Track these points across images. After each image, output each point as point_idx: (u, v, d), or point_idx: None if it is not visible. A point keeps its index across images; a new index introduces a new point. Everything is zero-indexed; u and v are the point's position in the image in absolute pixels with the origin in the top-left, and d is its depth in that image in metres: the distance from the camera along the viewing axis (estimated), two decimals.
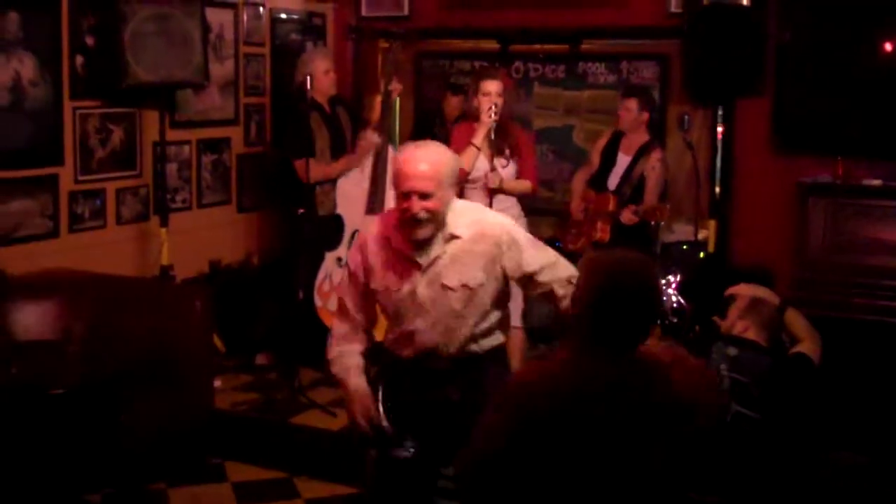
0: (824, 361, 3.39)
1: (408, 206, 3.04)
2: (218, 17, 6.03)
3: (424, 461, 3.19)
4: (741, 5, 4.81)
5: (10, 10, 4.79)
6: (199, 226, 5.98)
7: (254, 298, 5.94)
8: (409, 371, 3.25)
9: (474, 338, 3.21)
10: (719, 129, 5.86)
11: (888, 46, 5.45)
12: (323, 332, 5.28)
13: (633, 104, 5.58)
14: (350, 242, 5.58)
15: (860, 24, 5.50)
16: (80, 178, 5.24)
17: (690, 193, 5.54)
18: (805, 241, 5.43)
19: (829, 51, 5.56)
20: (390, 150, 5.62)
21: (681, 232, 5.83)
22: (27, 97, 4.92)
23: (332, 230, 5.60)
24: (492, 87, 4.98)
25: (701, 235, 5.48)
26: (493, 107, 4.89)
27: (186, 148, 5.94)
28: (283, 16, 6.67)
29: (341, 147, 5.71)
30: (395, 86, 5.72)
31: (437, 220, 3.09)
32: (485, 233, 3.17)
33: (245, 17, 6.31)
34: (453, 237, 3.14)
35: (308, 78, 5.37)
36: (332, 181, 5.60)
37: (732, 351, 3.38)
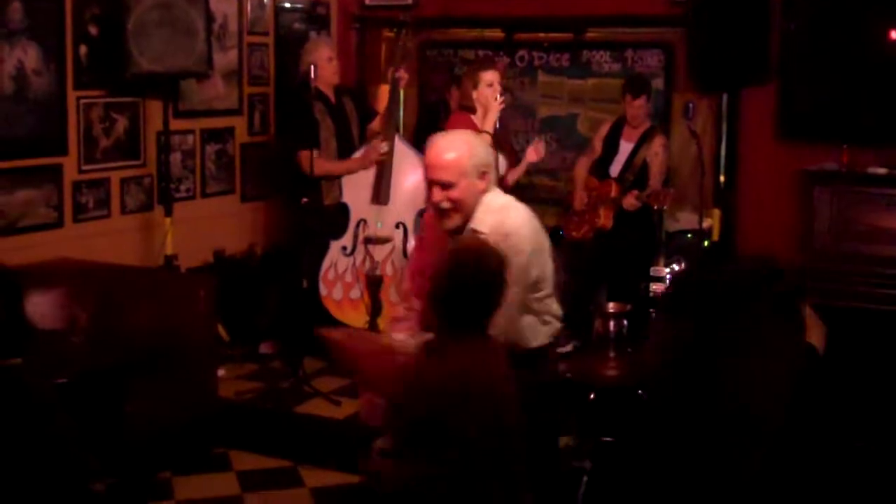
0: (829, 351, 3.37)
1: (432, 195, 3.05)
2: (221, 7, 6.01)
3: None
4: None
5: None
6: (203, 215, 5.97)
7: (258, 287, 5.94)
8: None
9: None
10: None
11: (893, 34, 5.43)
12: (327, 321, 5.29)
13: (642, 101, 5.63)
14: (356, 232, 5.57)
15: (865, 12, 5.48)
16: (84, 167, 5.24)
17: (695, 182, 5.52)
18: (810, 229, 5.42)
19: (834, 38, 5.54)
20: (397, 139, 5.62)
21: (685, 221, 5.82)
22: (31, 86, 4.91)
23: (337, 219, 5.59)
24: (492, 76, 5.10)
25: (705, 224, 5.46)
26: (499, 94, 4.99)
27: (190, 137, 5.93)
28: (287, 5, 6.65)
29: (347, 138, 5.67)
30: (403, 74, 5.71)
31: (463, 209, 3.07)
32: (508, 233, 3.05)
33: (249, 7, 6.28)
34: (476, 233, 3.09)
35: (312, 67, 5.32)
36: None
37: None
